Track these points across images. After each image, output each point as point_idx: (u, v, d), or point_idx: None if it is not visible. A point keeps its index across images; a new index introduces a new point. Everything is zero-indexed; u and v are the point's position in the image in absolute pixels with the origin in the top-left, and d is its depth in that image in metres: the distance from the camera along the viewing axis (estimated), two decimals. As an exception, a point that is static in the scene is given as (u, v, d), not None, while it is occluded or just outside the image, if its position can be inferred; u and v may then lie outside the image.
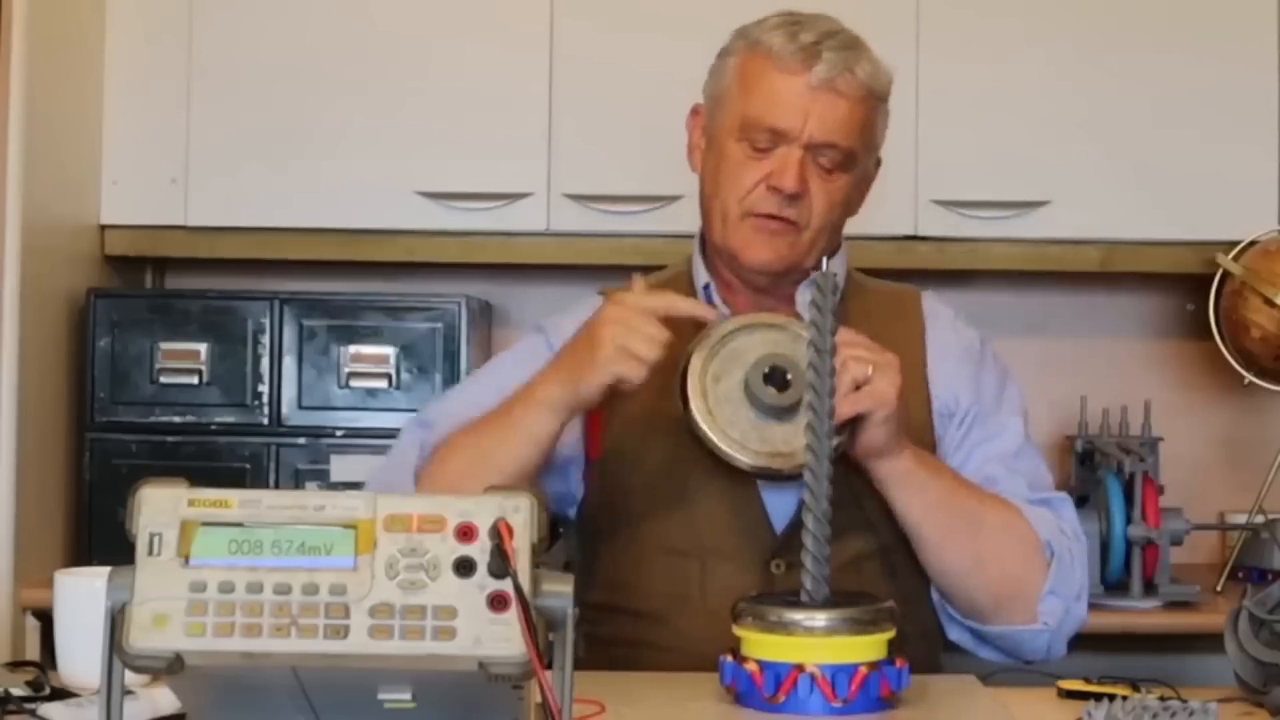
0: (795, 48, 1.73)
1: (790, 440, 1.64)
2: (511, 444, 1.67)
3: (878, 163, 1.85)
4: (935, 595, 1.77)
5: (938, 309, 1.88)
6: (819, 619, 1.47)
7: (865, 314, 1.80)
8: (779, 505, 1.73)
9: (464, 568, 1.01)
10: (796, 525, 1.65)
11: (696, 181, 1.86)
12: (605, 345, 1.62)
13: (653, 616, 1.75)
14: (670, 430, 1.73)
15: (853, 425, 1.62)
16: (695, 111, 1.86)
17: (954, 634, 1.79)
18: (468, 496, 1.04)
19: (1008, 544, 1.71)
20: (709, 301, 1.81)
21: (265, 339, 2.76)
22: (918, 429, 1.75)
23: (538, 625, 1.01)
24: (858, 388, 1.60)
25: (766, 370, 1.65)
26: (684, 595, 1.73)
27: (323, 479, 2.71)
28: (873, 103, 1.77)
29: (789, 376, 1.64)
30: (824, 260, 1.58)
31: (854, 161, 1.76)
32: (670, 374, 1.68)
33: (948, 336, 1.85)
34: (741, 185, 1.74)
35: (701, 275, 1.84)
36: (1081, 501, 2.62)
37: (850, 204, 1.80)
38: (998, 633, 1.74)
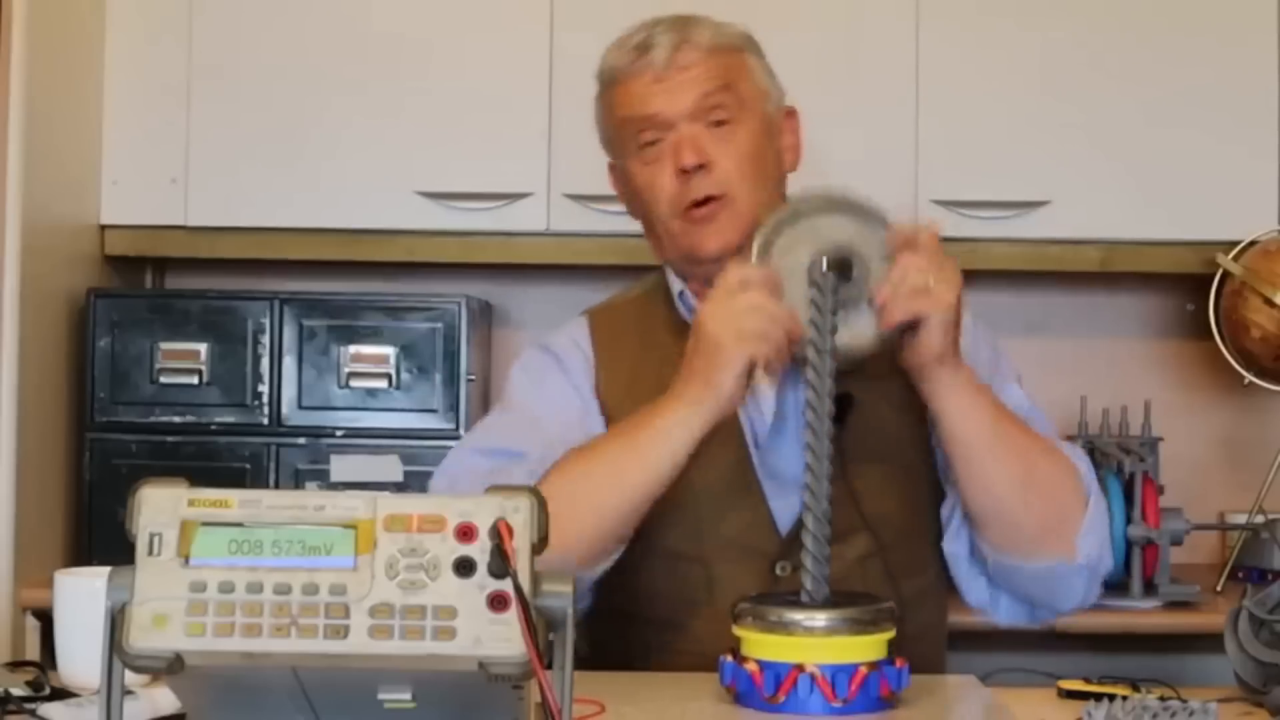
0: (628, 51, 1.76)
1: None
2: (652, 462, 1.63)
3: (790, 112, 1.82)
4: (959, 548, 1.72)
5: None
6: (819, 619, 1.47)
7: None
8: (783, 508, 1.72)
9: (464, 568, 1.01)
10: (800, 527, 1.65)
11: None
12: (725, 343, 1.57)
13: (661, 622, 1.74)
14: None
15: (911, 331, 1.58)
16: (611, 168, 1.87)
17: (975, 595, 1.74)
18: (468, 496, 1.04)
19: (1054, 469, 1.67)
20: (685, 308, 1.80)
21: (265, 339, 2.76)
22: (908, 413, 1.73)
23: (538, 625, 1.01)
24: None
25: (832, 257, 1.59)
26: (691, 599, 1.72)
27: (323, 479, 2.71)
28: (729, 54, 1.76)
29: (854, 270, 1.59)
30: (823, 260, 1.56)
31: (743, 106, 1.74)
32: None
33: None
34: (659, 190, 1.74)
35: (675, 283, 1.83)
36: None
37: (765, 155, 1.76)
38: (1035, 570, 1.68)
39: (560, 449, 1.67)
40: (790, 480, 1.70)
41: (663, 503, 1.73)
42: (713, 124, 1.73)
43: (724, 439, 1.71)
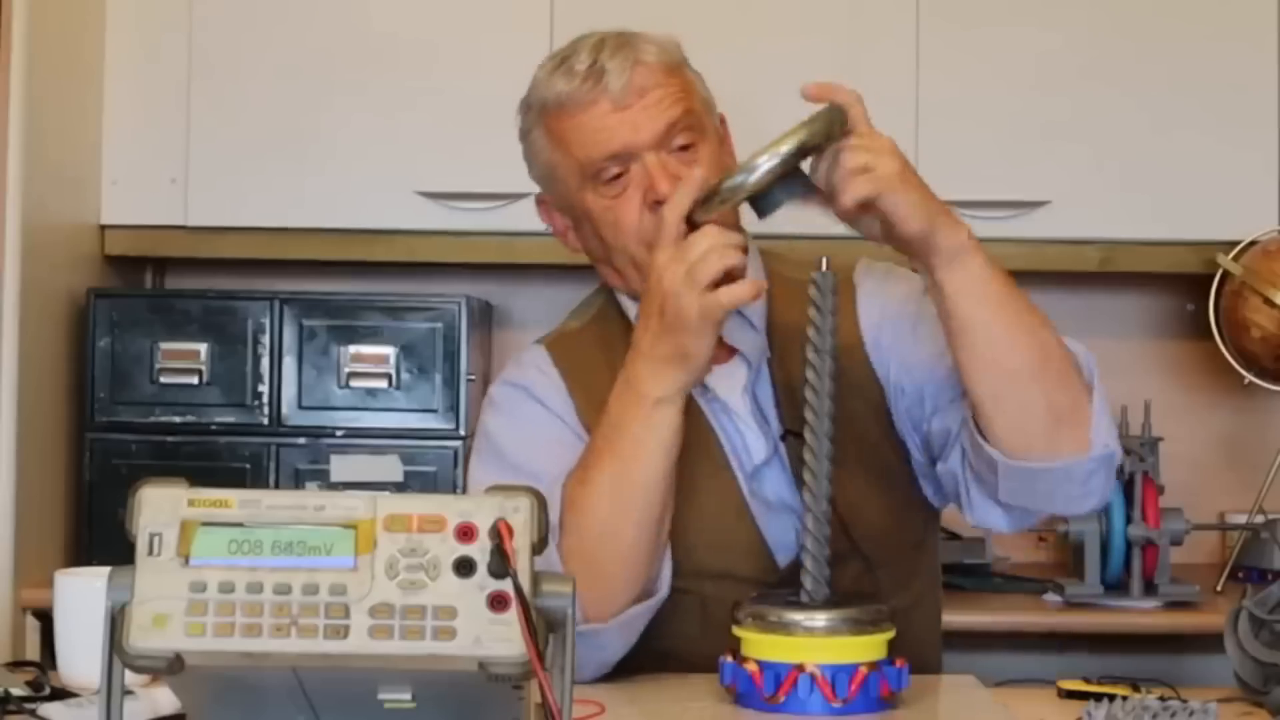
0: (577, 81, 1.69)
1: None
2: (645, 456, 1.58)
3: (722, 120, 1.78)
4: (957, 465, 1.64)
5: (869, 269, 1.78)
6: (819, 619, 1.48)
7: (787, 302, 1.71)
8: (778, 535, 1.68)
9: (464, 568, 1.01)
10: (798, 553, 1.63)
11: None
12: (685, 301, 1.52)
13: (657, 653, 1.69)
14: None
15: (881, 221, 1.52)
16: (541, 202, 1.82)
17: (980, 512, 1.64)
18: (467, 496, 1.04)
19: (1064, 352, 1.59)
20: None
21: (265, 339, 2.76)
22: (873, 412, 1.70)
23: (538, 625, 1.01)
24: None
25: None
26: (685, 632, 1.67)
27: (323, 479, 2.71)
28: (677, 72, 1.71)
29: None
30: (823, 260, 1.56)
31: (700, 128, 1.69)
32: None
33: (881, 295, 1.74)
34: (627, 225, 1.67)
35: (633, 308, 1.73)
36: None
37: (722, 169, 1.65)
38: (1053, 471, 1.56)
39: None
40: (782, 506, 1.69)
41: None
42: (678, 148, 1.67)
43: (712, 470, 1.69)
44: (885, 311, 1.73)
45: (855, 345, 1.72)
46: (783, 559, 1.68)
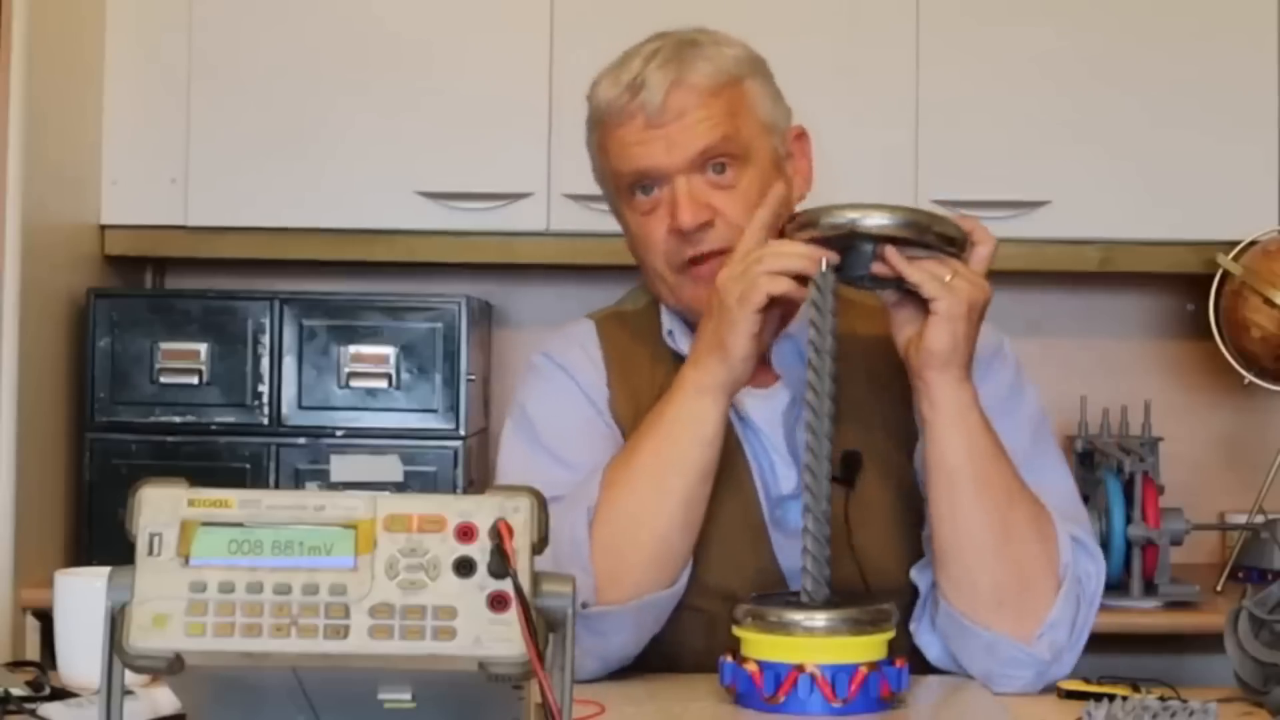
0: (619, 92, 1.66)
1: None
2: (684, 446, 1.58)
3: (799, 134, 1.74)
4: (922, 585, 1.64)
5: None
6: (819, 619, 1.47)
7: (854, 340, 1.70)
8: (794, 563, 1.63)
9: (464, 568, 1.01)
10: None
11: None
12: (730, 294, 1.53)
13: (661, 665, 1.68)
14: None
15: (916, 321, 1.56)
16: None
17: (923, 629, 1.64)
18: (468, 496, 1.04)
19: (1031, 531, 1.57)
20: (674, 346, 1.73)
21: (265, 339, 2.76)
22: (899, 466, 1.69)
23: (538, 625, 1.01)
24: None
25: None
26: (691, 647, 1.66)
27: (323, 479, 2.71)
28: (730, 89, 1.65)
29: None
30: (823, 261, 1.56)
31: (746, 154, 1.65)
32: None
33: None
34: (655, 245, 1.66)
35: (667, 319, 1.75)
36: (1082, 501, 2.61)
37: (779, 195, 1.64)
38: (979, 638, 1.57)
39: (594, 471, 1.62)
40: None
41: None
42: (714, 172, 1.64)
43: (736, 491, 1.68)
44: None
45: (904, 395, 1.68)
46: (796, 588, 1.66)
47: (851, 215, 1.54)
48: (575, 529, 1.57)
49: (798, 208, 1.70)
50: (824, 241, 1.56)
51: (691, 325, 1.70)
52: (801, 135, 1.75)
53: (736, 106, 1.66)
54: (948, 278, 1.53)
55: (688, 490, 1.59)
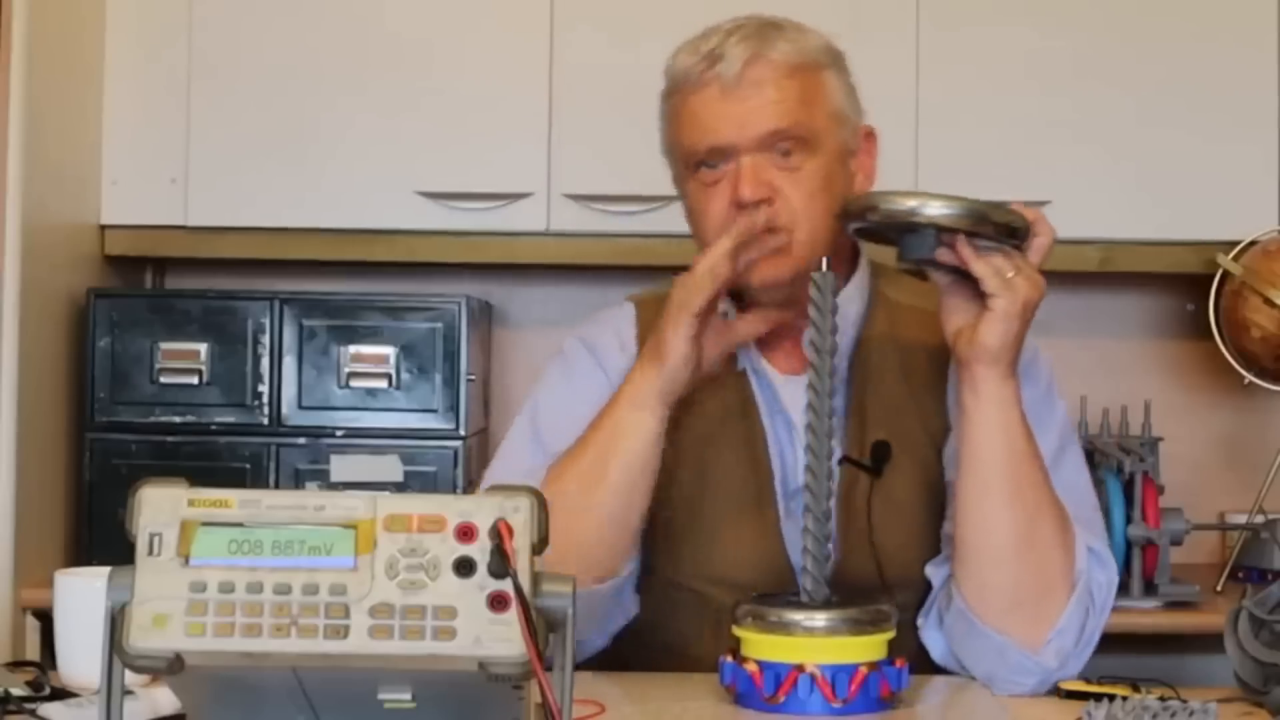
0: (696, 60, 1.66)
1: None
2: (618, 454, 1.60)
3: (868, 134, 1.75)
4: (935, 581, 1.65)
5: None
6: (819, 619, 1.47)
7: (895, 343, 1.73)
8: (796, 543, 1.66)
9: (464, 568, 1.01)
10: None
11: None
12: (673, 301, 1.59)
13: (662, 648, 1.71)
14: (695, 467, 1.71)
15: (969, 312, 1.57)
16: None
17: (929, 626, 1.65)
18: (468, 496, 1.04)
19: (1056, 537, 1.57)
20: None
21: (265, 339, 2.76)
22: (928, 462, 1.70)
23: (538, 625, 1.01)
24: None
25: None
26: (698, 633, 1.68)
27: (323, 479, 2.71)
28: (807, 74, 1.66)
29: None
30: (823, 260, 1.56)
31: (815, 140, 1.66)
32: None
33: None
34: (713, 218, 1.67)
35: (721, 303, 1.72)
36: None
37: (833, 186, 1.67)
38: (988, 641, 1.57)
39: None
40: None
41: (682, 534, 1.71)
42: (781, 154, 1.65)
43: (756, 482, 1.70)
44: None
45: (940, 393, 1.72)
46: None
47: (912, 204, 1.55)
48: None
49: None
50: (883, 224, 1.57)
51: (742, 308, 1.73)
52: (870, 135, 1.76)
53: (811, 93, 1.67)
54: (1010, 274, 1.54)
55: (615, 499, 1.61)
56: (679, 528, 1.71)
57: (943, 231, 1.55)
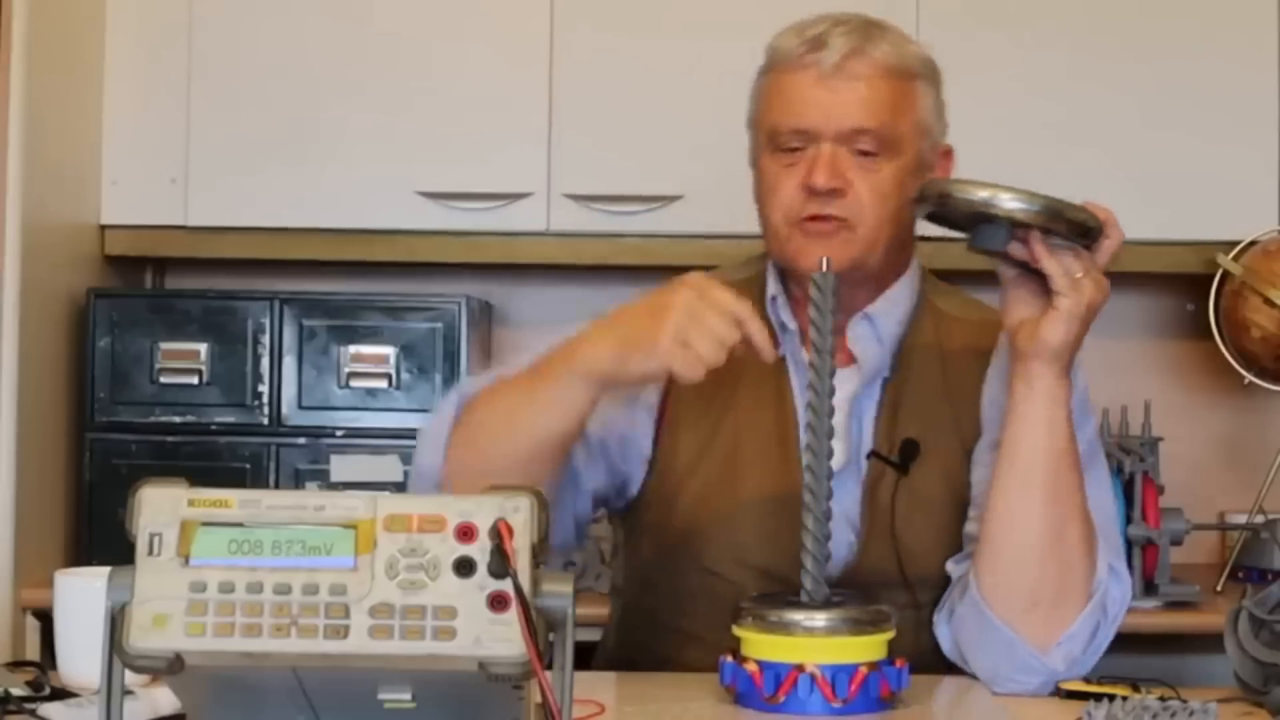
0: (800, 42, 1.68)
1: None
2: (540, 410, 1.58)
3: (946, 152, 1.77)
4: (955, 575, 1.66)
5: None
6: (819, 619, 1.47)
7: (939, 351, 1.74)
8: (832, 546, 1.69)
9: (464, 568, 1.01)
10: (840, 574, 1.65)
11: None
12: (667, 330, 1.51)
13: (685, 633, 1.71)
14: (725, 450, 1.71)
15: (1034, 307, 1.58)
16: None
17: (939, 619, 1.66)
18: (467, 496, 1.04)
19: (1081, 546, 1.59)
20: (774, 314, 1.75)
21: (265, 339, 2.76)
22: (956, 465, 1.70)
23: (538, 625, 1.01)
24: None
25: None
26: (722, 622, 1.67)
27: (323, 479, 2.71)
28: (901, 80, 1.69)
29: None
30: (823, 261, 1.56)
31: (896, 145, 1.67)
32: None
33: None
34: (781, 196, 1.68)
35: (772, 284, 1.76)
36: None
37: (906, 193, 1.68)
38: (999, 634, 1.57)
39: None
40: (843, 520, 1.68)
41: (710, 518, 1.71)
42: (860, 150, 1.67)
43: (784, 467, 1.69)
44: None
45: (975, 398, 1.73)
46: (827, 569, 1.67)
47: (985, 195, 1.55)
48: (449, 405, 1.65)
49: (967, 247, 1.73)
50: (954, 212, 1.58)
51: (790, 290, 1.74)
52: (948, 153, 1.78)
53: (902, 99, 1.69)
54: (1078, 275, 1.55)
55: (539, 445, 1.58)
56: (708, 512, 1.71)
57: (1017, 226, 1.55)
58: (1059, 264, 1.55)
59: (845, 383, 1.72)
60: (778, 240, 1.71)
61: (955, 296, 1.83)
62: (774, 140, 1.69)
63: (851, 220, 1.67)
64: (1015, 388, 1.60)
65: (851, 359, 1.74)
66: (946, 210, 1.60)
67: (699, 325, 1.51)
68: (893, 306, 1.75)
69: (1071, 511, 1.59)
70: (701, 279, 1.56)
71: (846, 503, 1.69)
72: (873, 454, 1.70)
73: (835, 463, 1.68)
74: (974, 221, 1.58)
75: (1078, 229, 1.57)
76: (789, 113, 1.68)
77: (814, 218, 1.67)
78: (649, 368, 1.54)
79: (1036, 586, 1.58)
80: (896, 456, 1.69)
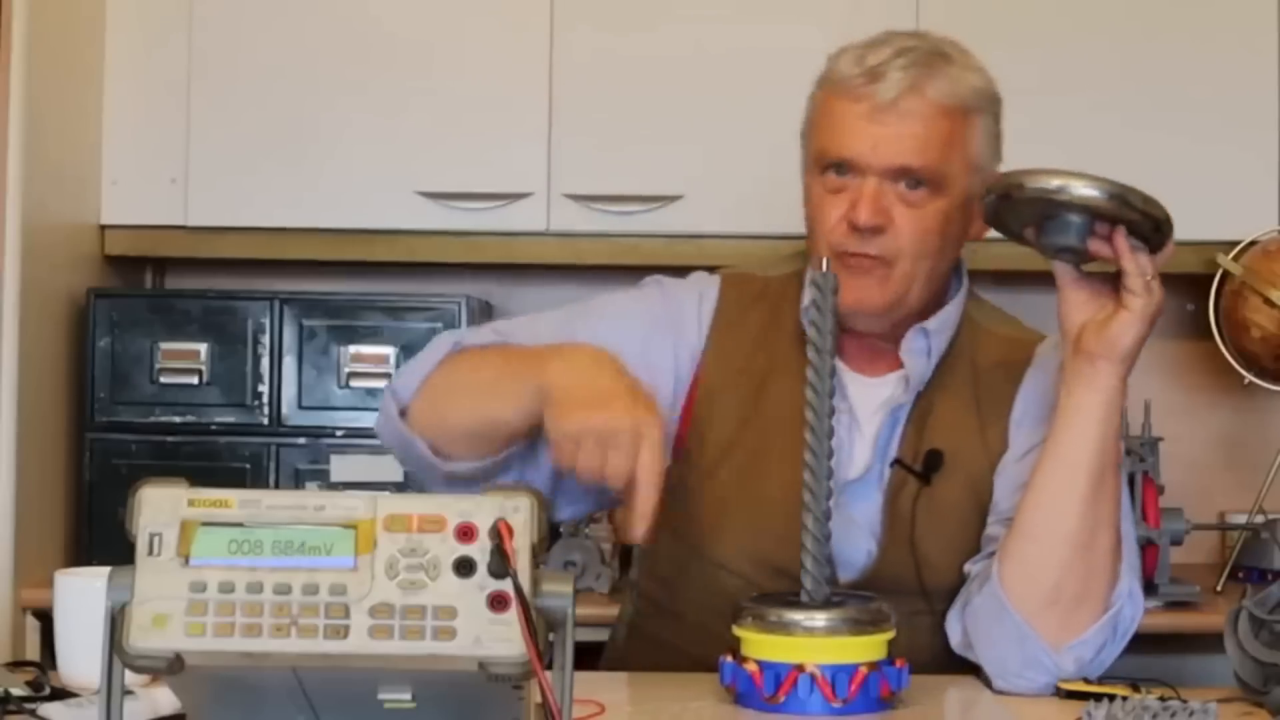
0: (859, 71, 1.66)
1: None
2: (497, 396, 1.60)
3: None
4: (972, 566, 1.66)
5: (1049, 356, 1.74)
6: (819, 619, 1.47)
7: (972, 364, 1.74)
8: (849, 554, 1.68)
9: (464, 568, 1.01)
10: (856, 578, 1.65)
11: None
12: (603, 426, 1.49)
13: (696, 626, 1.71)
14: (752, 449, 1.72)
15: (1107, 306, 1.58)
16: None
17: (951, 615, 1.66)
18: (468, 496, 1.04)
19: (1108, 555, 1.59)
20: (808, 322, 1.70)
21: (265, 339, 2.76)
22: (991, 475, 1.70)
23: (538, 625, 1.01)
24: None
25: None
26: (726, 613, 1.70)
27: (323, 479, 2.71)
28: (956, 118, 1.67)
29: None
30: (824, 261, 1.56)
31: (943, 184, 1.66)
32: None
33: (1045, 387, 1.71)
34: (825, 224, 1.68)
35: (810, 291, 1.73)
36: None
37: (949, 230, 1.68)
38: (1015, 626, 1.56)
39: None
40: (864, 526, 1.68)
41: (732, 515, 1.71)
42: (907, 186, 1.65)
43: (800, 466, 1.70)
44: (1047, 397, 1.70)
45: (1004, 413, 1.73)
46: (844, 575, 1.68)
47: (1058, 182, 1.54)
48: (441, 347, 1.69)
49: (972, 245, 1.75)
50: (1021, 204, 1.57)
51: None
52: None
53: (956, 137, 1.68)
54: (1149, 276, 1.56)
55: (496, 426, 1.60)
56: (731, 509, 1.72)
57: (1095, 220, 1.54)
58: (1137, 263, 1.56)
59: (883, 388, 1.74)
60: (819, 259, 1.69)
61: (993, 311, 1.83)
62: (820, 165, 1.69)
63: (889, 257, 1.66)
64: (1074, 386, 1.60)
65: (897, 364, 1.73)
66: (1014, 205, 1.57)
67: (618, 451, 1.49)
68: (947, 322, 1.75)
69: (1107, 517, 1.59)
70: (658, 428, 1.51)
71: (868, 510, 1.69)
72: (896, 462, 1.70)
73: (858, 469, 1.71)
74: (1042, 216, 1.56)
75: (1151, 222, 1.56)
76: (837, 142, 1.67)
77: (853, 254, 1.67)
78: (570, 429, 1.51)
79: (1060, 584, 1.58)
80: (920, 466, 1.69)
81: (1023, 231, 1.62)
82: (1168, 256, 1.60)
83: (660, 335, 1.75)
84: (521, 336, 1.71)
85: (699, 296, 1.79)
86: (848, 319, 1.67)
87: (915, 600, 1.66)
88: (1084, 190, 1.53)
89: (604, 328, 1.71)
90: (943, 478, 1.69)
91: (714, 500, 1.72)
